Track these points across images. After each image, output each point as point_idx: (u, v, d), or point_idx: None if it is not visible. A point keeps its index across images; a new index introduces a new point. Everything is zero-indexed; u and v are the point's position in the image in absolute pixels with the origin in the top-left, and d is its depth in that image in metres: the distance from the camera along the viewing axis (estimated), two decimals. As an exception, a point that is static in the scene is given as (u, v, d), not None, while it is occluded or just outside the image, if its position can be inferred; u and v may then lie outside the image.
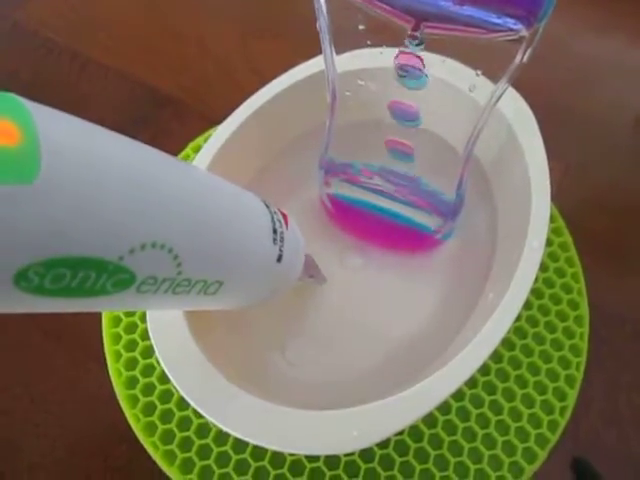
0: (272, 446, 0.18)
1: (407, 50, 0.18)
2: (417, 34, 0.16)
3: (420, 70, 0.19)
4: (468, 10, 0.14)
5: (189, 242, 0.13)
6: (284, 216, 0.19)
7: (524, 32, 0.15)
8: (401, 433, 0.24)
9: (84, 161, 0.10)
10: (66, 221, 0.09)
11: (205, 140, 0.28)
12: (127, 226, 0.11)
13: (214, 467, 0.23)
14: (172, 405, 0.24)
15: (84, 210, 0.10)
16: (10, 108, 0.09)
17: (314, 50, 0.25)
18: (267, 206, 0.18)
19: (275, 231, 0.18)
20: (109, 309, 0.14)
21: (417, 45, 0.17)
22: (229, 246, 0.15)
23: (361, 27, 0.18)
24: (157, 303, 0.14)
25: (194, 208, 0.13)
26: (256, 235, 0.17)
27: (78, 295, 0.11)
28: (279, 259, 0.18)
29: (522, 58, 0.16)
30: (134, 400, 0.24)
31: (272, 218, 0.18)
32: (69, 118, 0.10)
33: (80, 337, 0.30)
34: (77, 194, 0.09)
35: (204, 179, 0.15)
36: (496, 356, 0.25)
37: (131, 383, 0.25)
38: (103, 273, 0.11)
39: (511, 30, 0.15)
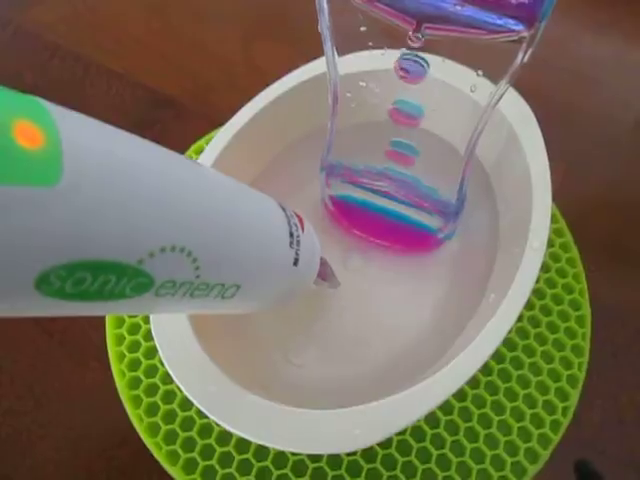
0: (274, 445, 0.18)
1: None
2: (418, 35, 0.16)
3: (422, 63, 0.19)
4: (469, 11, 0.14)
5: (208, 245, 0.13)
6: (300, 219, 0.19)
7: (525, 32, 0.15)
8: (403, 433, 0.24)
9: (106, 164, 0.10)
10: (88, 224, 0.09)
11: (207, 142, 0.28)
12: (148, 229, 0.11)
13: (217, 467, 0.23)
14: (175, 406, 0.24)
15: (106, 214, 0.10)
16: (32, 110, 0.09)
17: (315, 52, 0.25)
18: (283, 209, 0.18)
19: (292, 234, 0.18)
20: (126, 312, 0.14)
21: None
22: (247, 249, 0.15)
23: (363, 29, 0.18)
24: (174, 307, 0.14)
25: (213, 211, 0.13)
26: (273, 238, 0.17)
27: (97, 299, 0.11)
28: (295, 262, 0.18)
29: (523, 58, 0.16)
30: (137, 401, 0.24)
31: (288, 221, 0.18)
32: (91, 121, 0.10)
33: (83, 338, 0.30)
34: (99, 197, 0.09)
35: (223, 182, 0.15)
36: (498, 356, 0.25)
37: (134, 384, 0.25)
38: (123, 277, 0.11)
39: (512, 31, 0.15)
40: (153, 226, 0.11)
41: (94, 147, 0.10)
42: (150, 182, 0.11)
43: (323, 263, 0.22)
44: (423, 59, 0.19)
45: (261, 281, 0.17)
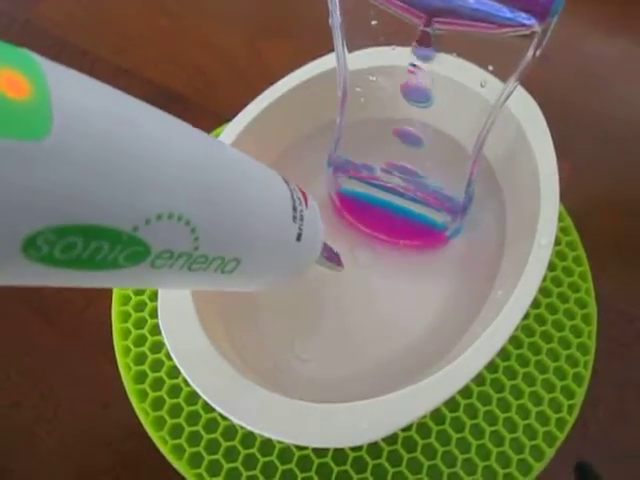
0: (281, 438, 0.18)
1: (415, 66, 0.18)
2: (429, 30, 0.16)
3: (427, 91, 0.19)
4: (480, 4, 0.14)
5: (207, 215, 0.12)
6: (304, 194, 0.18)
7: (536, 27, 0.15)
8: (409, 429, 0.24)
9: (100, 121, 0.09)
10: (78, 185, 0.09)
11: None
12: (143, 194, 0.10)
13: (222, 461, 0.23)
14: (181, 400, 0.24)
15: (98, 175, 0.09)
16: (19, 60, 0.08)
17: (322, 49, 0.26)
18: (286, 182, 0.18)
19: (295, 209, 0.17)
20: (122, 285, 0.13)
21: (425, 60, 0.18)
22: (248, 221, 0.14)
23: (374, 22, 0.18)
24: (172, 280, 0.13)
25: (213, 179, 0.13)
26: (276, 211, 0.16)
27: (89, 267, 0.10)
28: (298, 238, 0.17)
29: (534, 54, 0.16)
30: (143, 395, 0.24)
31: (292, 195, 0.17)
32: (85, 78, 0.10)
33: (89, 332, 0.30)
34: (91, 157, 0.09)
35: (225, 151, 0.15)
36: (504, 354, 0.25)
37: (140, 378, 0.25)
38: (116, 244, 0.10)
39: (523, 25, 0.15)
40: (149, 191, 0.10)
41: (87, 102, 0.09)
42: (147, 145, 0.10)
43: (327, 248, 0.21)
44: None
45: (262, 256, 0.16)
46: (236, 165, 0.15)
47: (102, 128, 0.09)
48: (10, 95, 0.08)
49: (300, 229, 0.17)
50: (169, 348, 0.20)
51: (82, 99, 0.09)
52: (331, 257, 0.22)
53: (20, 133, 0.08)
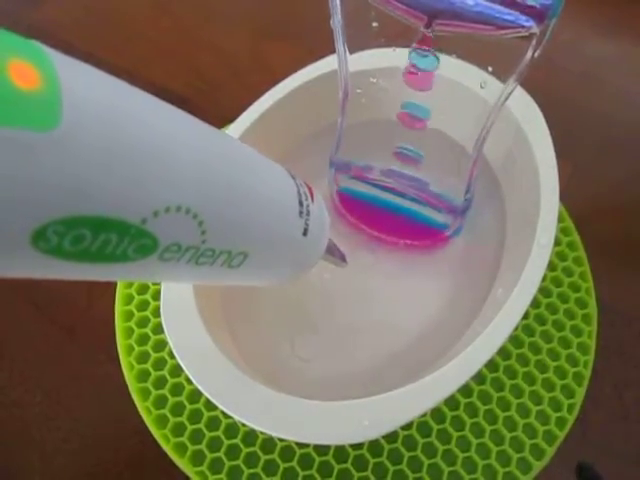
0: (285, 436, 0.18)
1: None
2: (429, 32, 0.17)
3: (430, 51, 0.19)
4: (480, 6, 0.15)
5: (214, 208, 0.12)
6: (310, 189, 0.18)
7: (535, 29, 0.15)
8: (410, 428, 0.24)
9: (110, 113, 0.09)
10: (86, 177, 0.09)
11: (217, 138, 0.28)
12: (152, 187, 0.10)
13: (224, 459, 0.23)
14: (183, 398, 0.24)
15: (106, 167, 0.09)
16: (30, 52, 0.08)
17: (324, 51, 0.26)
18: (292, 177, 0.18)
19: (301, 203, 0.17)
20: (130, 278, 0.14)
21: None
22: (255, 216, 0.15)
23: (374, 24, 0.18)
24: (179, 274, 0.14)
25: (221, 173, 0.13)
26: (282, 205, 0.16)
27: (98, 260, 0.10)
28: (305, 233, 0.17)
29: (533, 55, 0.16)
30: (146, 393, 0.25)
31: (298, 190, 0.17)
32: (95, 71, 0.10)
33: (92, 331, 0.30)
34: (100, 148, 0.09)
35: (233, 145, 0.15)
36: (504, 353, 0.25)
37: (143, 376, 0.25)
38: (125, 237, 0.10)
39: (522, 27, 0.15)
40: (158, 183, 0.10)
41: (97, 95, 0.09)
42: (156, 138, 0.10)
43: (331, 244, 0.21)
44: (434, 55, 0.19)
45: (269, 251, 0.16)
46: (244, 159, 0.15)
47: (111, 121, 0.09)
48: (20, 85, 0.08)
49: (306, 224, 0.17)
50: (172, 347, 0.20)
51: (92, 91, 0.09)
52: (335, 252, 0.22)
53: (29, 123, 0.08)
